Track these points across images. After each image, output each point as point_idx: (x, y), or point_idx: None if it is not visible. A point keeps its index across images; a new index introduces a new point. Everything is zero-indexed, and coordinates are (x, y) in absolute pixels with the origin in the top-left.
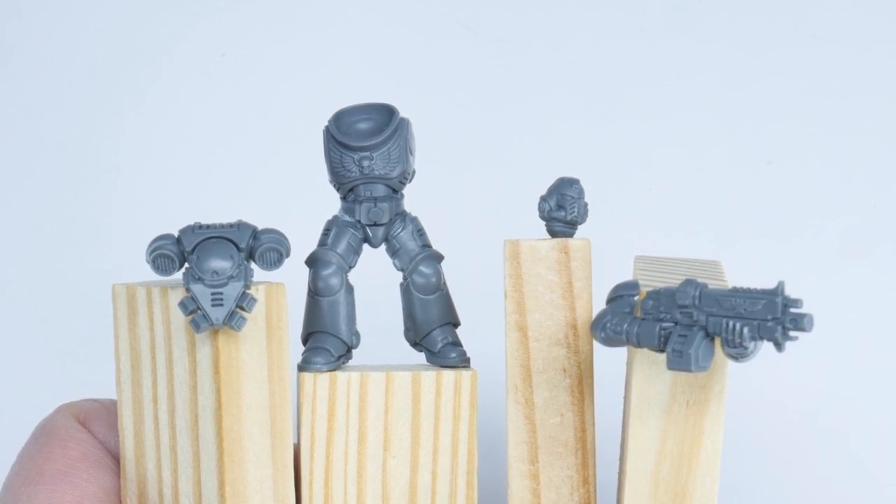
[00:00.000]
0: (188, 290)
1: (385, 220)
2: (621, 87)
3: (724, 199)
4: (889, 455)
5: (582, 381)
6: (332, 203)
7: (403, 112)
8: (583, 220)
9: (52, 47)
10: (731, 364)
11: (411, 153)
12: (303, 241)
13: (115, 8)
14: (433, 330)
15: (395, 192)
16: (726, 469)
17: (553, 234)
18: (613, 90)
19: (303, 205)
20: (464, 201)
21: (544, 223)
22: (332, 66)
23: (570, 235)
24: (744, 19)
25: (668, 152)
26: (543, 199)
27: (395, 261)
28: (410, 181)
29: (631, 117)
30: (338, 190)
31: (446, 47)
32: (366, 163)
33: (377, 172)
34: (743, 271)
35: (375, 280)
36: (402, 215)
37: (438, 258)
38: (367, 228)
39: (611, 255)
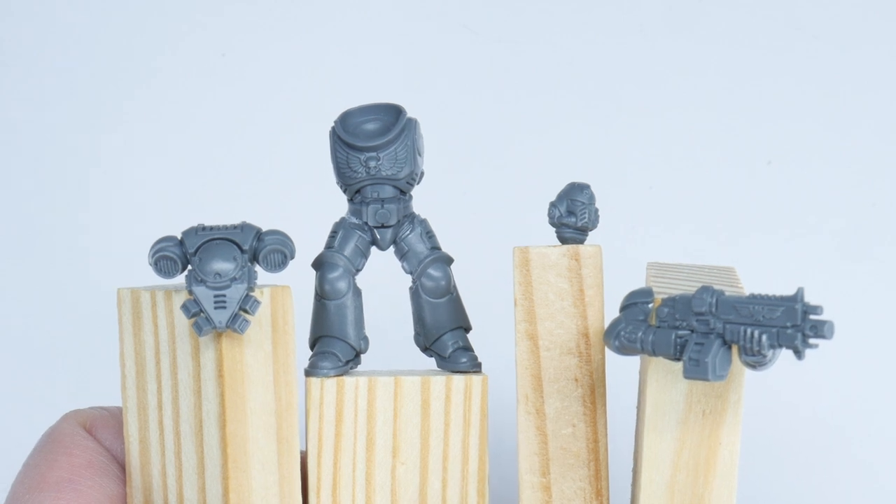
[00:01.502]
0: (191, 292)
1: (393, 221)
2: (620, 87)
3: (723, 198)
4: (893, 456)
5: (594, 391)
6: (339, 205)
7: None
8: (594, 226)
9: (52, 47)
10: (748, 372)
11: (419, 154)
12: (310, 244)
13: (116, 8)
14: (443, 334)
15: (403, 193)
16: (744, 480)
17: (563, 240)
18: (613, 90)
19: (310, 207)
20: (470, 204)
21: (554, 229)
22: (333, 66)
23: (581, 242)
24: (744, 19)
25: (667, 153)
26: (553, 204)
27: (404, 264)
28: (419, 182)
29: (629, 118)
30: (344, 192)
31: (446, 47)
32: (372, 163)
33: (384, 173)
34: (742, 271)
35: (386, 283)
36: (410, 217)
37: (448, 261)
38: (375, 231)
39: (622, 261)
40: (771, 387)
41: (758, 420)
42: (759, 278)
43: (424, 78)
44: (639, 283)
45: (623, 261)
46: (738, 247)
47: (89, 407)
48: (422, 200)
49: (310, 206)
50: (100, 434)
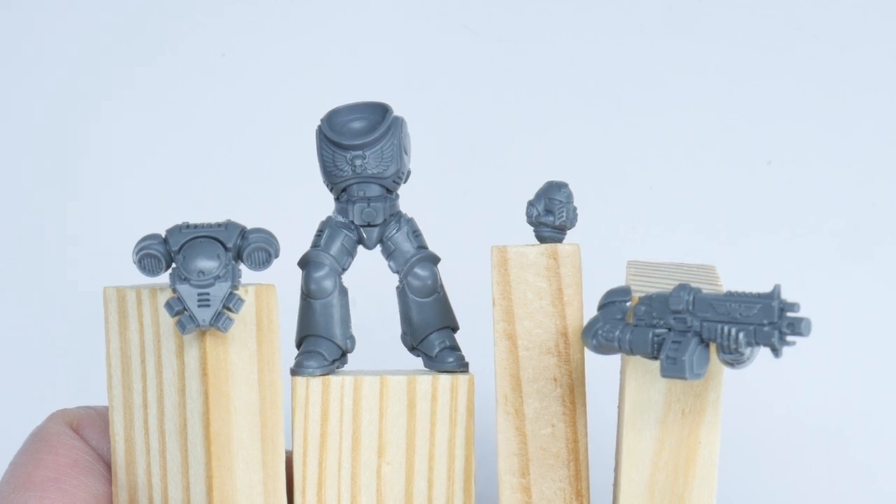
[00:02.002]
0: (174, 290)
1: (379, 220)
2: (620, 87)
3: (723, 198)
4: (890, 458)
5: (573, 391)
6: (328, 204)
7: (403, 112)
8: (572, 225)
9: (51, 46)
10: (727, 371)
11: (406, 152)
12: (299, 243)
13: (116, 8)
14: (430, 334)
15: (390, 192)
16: (723, 479)
17: (542, 239)
18: (613, 90)
19: (310, 207)
20: (470, 204)
21: (532, 228)
22: (333, 66)
23: (560, 241)
24: (744, 19)
25: (667, 153)
26: (531, 203)
27: (391, 263)
28: (406, 181)
29: (629, 118)
30: (331, 190)
31: (446, 47)
32: (358, 161)
33: (370, 171)
34: (742, 271)
35: (373, 282)
36: (397, 216)
37: (435, 260)
38: (362, 229)
39: (602, 260)
40: (748, 384)
41: (738, 419)
42: (759, 278)
43: (424, 78)
44: None
45: (623, 261)
46: (738, 247)
47: (76, 406)
48: (419, 199)
49: (309, 207)
50: (86, 433)
